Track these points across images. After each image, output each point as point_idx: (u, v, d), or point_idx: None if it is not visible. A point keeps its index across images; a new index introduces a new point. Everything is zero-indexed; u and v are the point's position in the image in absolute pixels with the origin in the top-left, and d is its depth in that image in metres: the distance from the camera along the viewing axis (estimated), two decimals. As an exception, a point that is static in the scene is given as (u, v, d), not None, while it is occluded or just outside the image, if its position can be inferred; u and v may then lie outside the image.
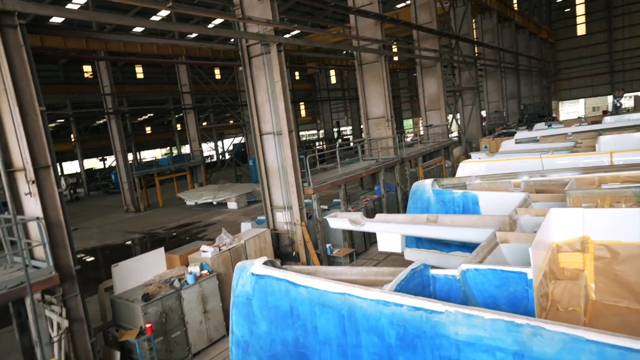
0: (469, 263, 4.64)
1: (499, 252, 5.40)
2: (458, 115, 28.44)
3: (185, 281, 9.40)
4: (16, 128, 7.47)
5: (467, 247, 6.88)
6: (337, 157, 15.47)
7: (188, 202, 28.19)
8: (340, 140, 51.76)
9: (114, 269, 9.28)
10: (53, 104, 33.49)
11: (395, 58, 47.71)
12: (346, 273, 5.34)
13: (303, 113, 64.92)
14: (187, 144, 34.45)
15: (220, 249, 10.44)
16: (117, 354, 8.45)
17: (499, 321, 3.25)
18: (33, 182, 7.41)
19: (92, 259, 19.15)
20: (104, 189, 41.83)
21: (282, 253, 13.01)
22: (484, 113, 35.50)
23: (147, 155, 52.74)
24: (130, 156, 32.12)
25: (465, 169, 10.88)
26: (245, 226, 13.50)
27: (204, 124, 36.23)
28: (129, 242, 21.13)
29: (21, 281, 7.03)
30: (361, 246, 14.80)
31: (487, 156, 12.32)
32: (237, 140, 44.57)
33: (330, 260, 13.18)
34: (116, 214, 28.64)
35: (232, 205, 25.76)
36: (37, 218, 7.38)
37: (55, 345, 7.43)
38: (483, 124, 32.42)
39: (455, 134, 31.99)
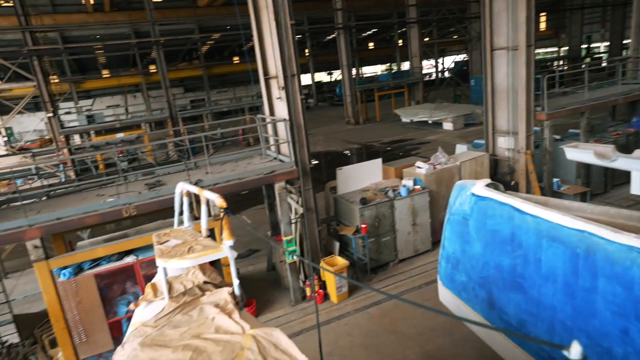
0: None
1: None
2: None
3: (399, 193, 9.89)
4: (272, 40, 8.66)
5: None
6: (585, 79, 12.85)
7: (403, 119, 28.70)
8: (588, 60, 42.59)
9: (339, 172, 10.41)
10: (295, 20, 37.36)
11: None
12: (585, 210, 4.64)
13: (542, 26, 55.14)
14: (407, 60, 34.06)
15: (434, 167, 10.44)
16: (337, 245, 9.79)
17: None
18: (282, 88, 8.66)
19: (316, 162, 22.01)
20: (329, 100, 46.22)
21: (499, 181, 12.15)
22: None
23: (368, 70, 54.86)
24: (353, 71, 33.97)
25: None
26: (460, 148, 13.00)
27: (426, 39, 34.88)
28: (347, 151, 23.22)
29: (272, 170, 8.63)
30: (599, 186, 12.55)
31: None
32: (459, 58, 41.65)
33: (556, 197, 11.67)
34: (338, 124, 31.54)
35: (447, 125, 25.02)
36: (285, 119, 8.71)
37: (293, 226, 9.09)
38: None
39: None
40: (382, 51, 55.00)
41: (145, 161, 20.20)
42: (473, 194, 5.08)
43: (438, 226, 10.01)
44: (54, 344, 7.95)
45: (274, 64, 8.81)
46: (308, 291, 9.20)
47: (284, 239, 8.86)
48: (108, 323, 7.67)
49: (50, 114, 20.72)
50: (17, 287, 11.47)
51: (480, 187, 5.05)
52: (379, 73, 48.04)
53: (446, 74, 40.92)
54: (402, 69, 43.92)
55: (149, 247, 7.96)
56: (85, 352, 7.58)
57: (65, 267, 7.30)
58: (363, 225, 9.38)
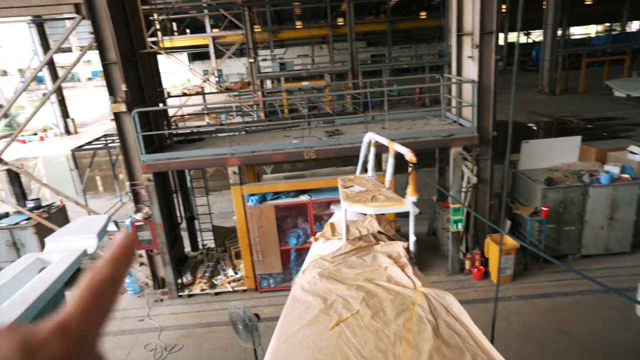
0: None
1: None
2: None
3: (597, 179, 8.42)
4: (474, -8, 7.92)
5: None
6: None
7: (617, 93, 23.78)
8: None
9: (524, 145, 9.35)
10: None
11: None
12: None
13: None
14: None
15: (654, 155, 8.50)
16: (508, 223, 9.00)
17: None
18: (476, 46, 7.96)
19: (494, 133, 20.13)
20: (521, 65, 41.16)
21: None
22: None
23: (578, 31, 46.51)
24: (559, 32, 29.23)
25: None
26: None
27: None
28: (533, 125, 20.61)
29: (451, 133, 8.22)
30: None
31: None
32: None
33: None
34: (528, 92, 28.00)
35: (678, 106, 19.88)
36: (473, 81, 8.07)
37: (462, 195, 8.65)
38: None
39: None
40: (602, 7, 45.68)
41: (324, 110, 21.53)
42: None
43: (644, 226, 8.28)
44: (238, 255, 9.47)
45: (471, 19, 8.11)
46: (467, 264, 8.80)
47: (452, 206, 8.52)
48: (280, 250, 8.72)
49: (252, 60, 23.48)
50: (215, 203, 13.87)
51: None
52: (593, 35, 40.29)
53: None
54: (628, 31, 35.83)
55: (321, 190, 8.61)
56: (260, 269, 8.84)
57: (252, 195, 8.46)
58: (544, 208, 8.35)
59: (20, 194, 9.83)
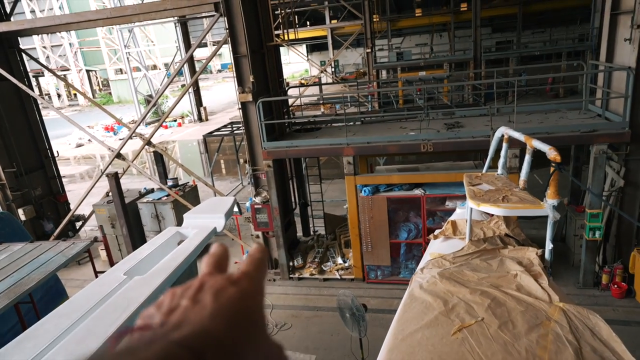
0: None
1: None
2: None
3: None
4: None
5: None
6: None
7: None
8: None
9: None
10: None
11: None
12: None
13: None
14: None
15: None
16: (662, 236, 7.63)
17: None
18: (638, 27, 6.79)
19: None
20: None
21: None
22: None
23: None
24: None
25: None
26: None
27: None
28: None
29: (593, 128, 7.20)
30: None
31: None
32: None
33: None
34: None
35: None
36: (629, 68, 6.92)
37: (604, 199, 7.55)
38: None
39: None
40: None
41: (442, 101, 20.60)
42: None
43: None
44: (347, 244, 9.61)
45: (632, -5, 6.93)
46: (605, 278, 7.70)
47: (588, 211, 7.50)
48: (390, 242, 8.62)
49: (369, 50, 23.40)
50: (327, 192, 14.24)
51: None
52: None
53: None
54: None
55: (436, 185, 8.25)
56: (369, 260, 8.85)
57: (365, 185, 8.46)
58: None
59: (163, 173, 11.23)
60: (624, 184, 7.27)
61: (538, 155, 2.86)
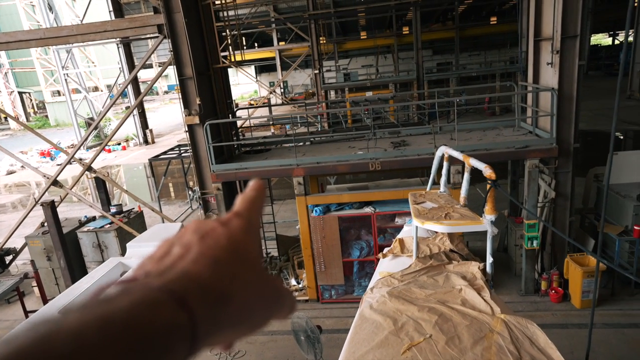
0: None
1: None
2: None
3: (702, 196, 7.46)
4: (554, -6, 7.42)
5: None
6: None
7: None
8: None
9: (614, 157, 8.53)
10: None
11: None
12: None
13: None
14: None
15: None
16: (591, 242, 8.24)
17: None
18: (557, 52, 7.43)
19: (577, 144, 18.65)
20: (604, 69, 38.04)
21: None
22: None
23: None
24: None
25: None
26: None
27: None
28: (620, 134, 18.85)
29: (526, 145, 7.72)
30: None
31: None
32: None
33: None
34: (613, 99, 25.65)
35: None
36: (552, 89, 7.53)
37: (538, 210, 8.06)
38: None
39: None
40: (700, 5, 41.14)
41: (388, 120, 21.27)
42: None
43: None
44: (300, 265, 9.54)
45: (552, 22, 7.58)
46: (544, 285, 8.16)
47: (525, 222, 7.96)
48: (342, 261, 8.66)
49: (316, 71, 23.85)
50: (279, 212, 14.14)
51: None
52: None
53: None
54: None
55: (385, 202, 8.45)
56: (322, 279, 8.83)
57: (316, 205, 8.49)
58: (636, 227, 7.53)
59: (105, 200, 10.67)
60: (555, 195, 7.81)
61: (477, 171, 3.01)
